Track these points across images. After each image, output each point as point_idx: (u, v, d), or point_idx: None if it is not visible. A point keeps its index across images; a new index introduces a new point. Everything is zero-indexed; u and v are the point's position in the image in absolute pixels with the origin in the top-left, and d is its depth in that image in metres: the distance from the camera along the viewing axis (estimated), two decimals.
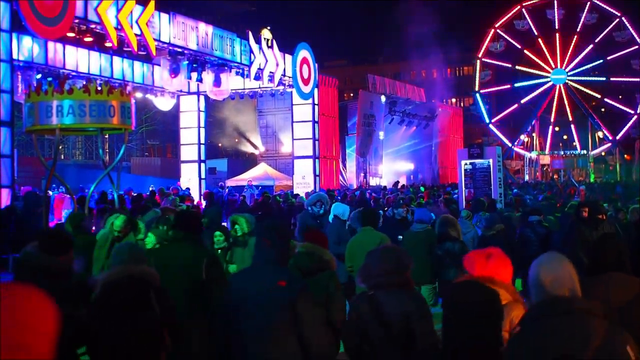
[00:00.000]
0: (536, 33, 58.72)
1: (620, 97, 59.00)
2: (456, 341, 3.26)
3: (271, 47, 26.77)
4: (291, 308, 4.25)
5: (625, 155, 58.57)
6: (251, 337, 4.31)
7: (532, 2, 58.24)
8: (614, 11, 56.14)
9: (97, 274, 7.22)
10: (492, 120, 58.93)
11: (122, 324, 4.23)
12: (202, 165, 30.88)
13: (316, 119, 30.56)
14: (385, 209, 16.42)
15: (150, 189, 24.42)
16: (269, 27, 27.19)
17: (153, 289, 4.46)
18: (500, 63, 58.70)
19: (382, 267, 4.31)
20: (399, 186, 29.70)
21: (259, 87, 28.78)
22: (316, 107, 30.53)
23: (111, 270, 4.81)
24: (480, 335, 3.22)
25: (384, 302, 4.23)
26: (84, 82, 15.88)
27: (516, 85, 60.11)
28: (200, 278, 5.58)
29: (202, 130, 30.86)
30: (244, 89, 29.20)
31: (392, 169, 40.45)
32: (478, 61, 58.44)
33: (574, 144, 61.70)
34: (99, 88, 11.11)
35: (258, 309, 4.31)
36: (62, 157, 44.78)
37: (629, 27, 55.68)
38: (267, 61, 26.31)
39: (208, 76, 24.79)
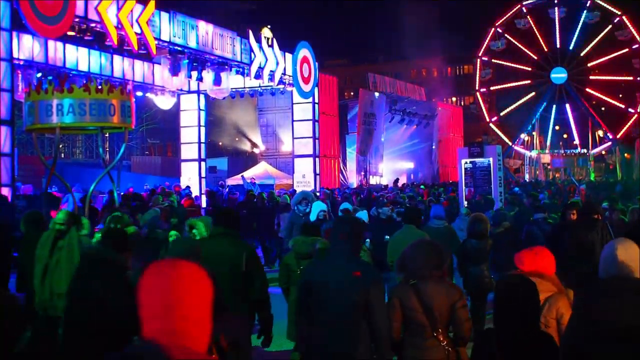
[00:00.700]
0: (537, 31, 58.71)
1: (620, 95, 59.00)
2: (507, 322, 3.93)
3: (271, 45, 26.77)
4: (365, 296, 4.71)
5: (626, 154, 58.56)
6: (328, 321, 4.80)
7: (532, 0, 58.21)
8: (614, 10, 56.12)
9: (39, 274, 7.05)
10: (493, 119, 58.92)
11: None
12: (203, 164, 30.88)
13: (316, 118, 30.56)
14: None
15: (145, 187, 24.42)
16: (269, 26, 27.18)
17: None
18: (500, 62, 58.67)
19: (427, 261, 4.87)
20: (400, 185, 29.69)
21: (259, 86, 28.76)
22: (316, 105, 30.52)
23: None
24: (526, 317, 3.90)
25: (428, 292, 4.79)
26: (84, 81, 15.90)
27: (516, 83, 60.10)
28: (241, 270, 5.98)
29: (203, 129, 30.84)
30: (244, 87, 29.18)
31: (392, 167, 40.44)
32: (478, 60, 58.42)
33: (574, 142, 61.70)
34: (99, 87, 11.11)
35: (335, 297, 4.79)
36: (63, 156, 44.80)
37: (630, 25, 55.67)
38: (267, 60, 26.32)
39: (208, 75, 24.78)
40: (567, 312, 4.68)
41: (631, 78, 56.58)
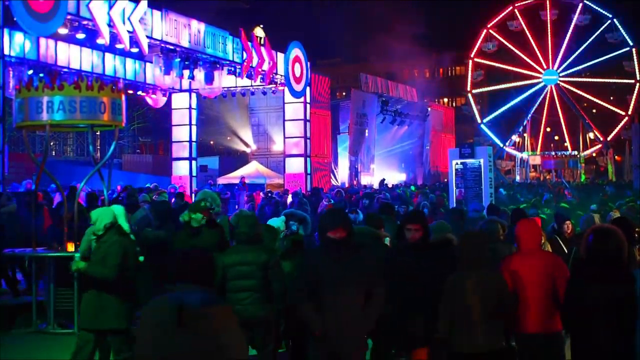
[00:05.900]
0: (528, 33, 58.85)
1: (611, 98, 59.24)
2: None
3: (263, 45, 26.76)
4: None
5: (616, 157, 58.78)
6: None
7: (524, 2, 58.36)
8: (605, 12, 56.34)
9: None
10: (484, 121, 59.07)
11: None
12: (194, 162, 30.85)
13: (308, 118, 30.55)
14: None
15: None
16: (261, 25, 27.19)
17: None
18: (492, 63, 58.80)
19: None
20: (390, 185, 29.62)
21: (251, 85, 28.76)
22: (308, 105, 30.51)
23: None
24: None
25: None
26: (75, 79, 15.86)
27: (508, 85, 60.27)
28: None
29: (194, 128, 30.83)
30: (235, 86, 29.16)
31: (383, 168, 40.49)
32: (470, 61, 58.53)
33: (565, 144, 61.92)
34: (90, 84, 11.07)
35: None
36: (54, 154, 44.69)
37: (621, 28, 55.89)
38: (259, 59, 26.30)
39: (200, 74, 24.77)
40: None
41: (622, 80, 56.80)
